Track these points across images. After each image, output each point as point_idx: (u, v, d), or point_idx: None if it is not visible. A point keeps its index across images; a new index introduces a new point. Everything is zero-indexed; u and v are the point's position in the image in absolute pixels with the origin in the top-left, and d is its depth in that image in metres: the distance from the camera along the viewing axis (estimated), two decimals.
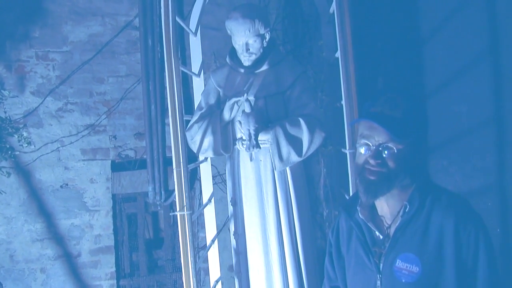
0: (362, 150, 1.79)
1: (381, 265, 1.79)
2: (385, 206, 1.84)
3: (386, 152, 1.75)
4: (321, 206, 4.60)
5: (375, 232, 1.85)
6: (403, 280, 1.73)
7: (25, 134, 3.87)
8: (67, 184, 4.37)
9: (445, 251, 1.69)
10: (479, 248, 1.69)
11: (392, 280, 1.76)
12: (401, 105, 1.77)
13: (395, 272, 1.75)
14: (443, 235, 1.70)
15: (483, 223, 1.74)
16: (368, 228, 1.86)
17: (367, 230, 1.87)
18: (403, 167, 1.75)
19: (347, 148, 3.22)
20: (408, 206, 1.77)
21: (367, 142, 1.78)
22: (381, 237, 1.84)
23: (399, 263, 1.75)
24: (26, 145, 3.86)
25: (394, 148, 1.74)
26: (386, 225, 1.84)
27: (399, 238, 1.77)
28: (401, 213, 1.79)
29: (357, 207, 1.89)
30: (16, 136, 3.80)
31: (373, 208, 1.89)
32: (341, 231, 2.02)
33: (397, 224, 1.78)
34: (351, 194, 3.19)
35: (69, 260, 4.39)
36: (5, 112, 4.01)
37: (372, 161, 1.76)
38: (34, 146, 4.23)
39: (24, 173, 4.29)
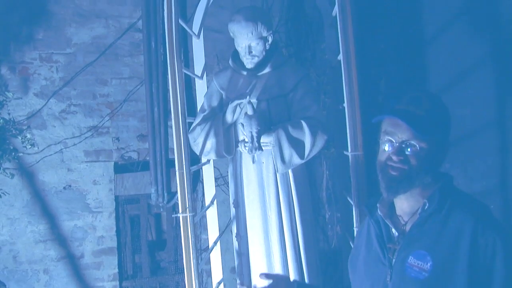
0: (386, 147, 1.83)
1: (394, 260, 1.81)
2: (404, 204, 1.86)
3: (409, 149, 1.78)
4: (324, 209, 4.60)
5: (391, 229, 1.88)
6: (413, 276, 1.74)
7: (28, 135, 3.87)
8: (70, 186, 4.38)
9: (459, 254, 1.68)
10: (495, 257, 1.66)
11: (402, 276, 1.77)
12: (426, 104, 1.80)
13: (406, 268, 1.76)
14: (460, 238, 1.69)
15: (505, 232, 1.72)
16: (386, 225, 1.89)
17: (384, 227, 1.90)
18: (424, 165, 1.78)
19: (349, 150, 3.22)
20: (427, 204, 1.78)
21: (391, 138, 1.81)
22: (396, 234, 1.86)
23: (411, 260, 1.76)
24: (30, 146, 3.87)
25: (417, 145, 1.77)
26: (403, 223, 1.86)
27: (414, 235, 1.79)
28: (419, 210, 1.80)
29: (377, 204, 1.91)
30: (20, 138, 3.81)
31: (391, 206, 1.92)
32: (365, 230, 2.05)
33: (414, 221, 1.81)
34: (353, 196, 3.20)
35: (72, 261, 4.40)
36: (9, 114, 4.02)
37: (394, 158, 1.79)
38: (38, 147, 4.25)
39: (28, 175, 4.31)
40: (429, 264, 1.72)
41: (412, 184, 1.79)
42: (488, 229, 1.68)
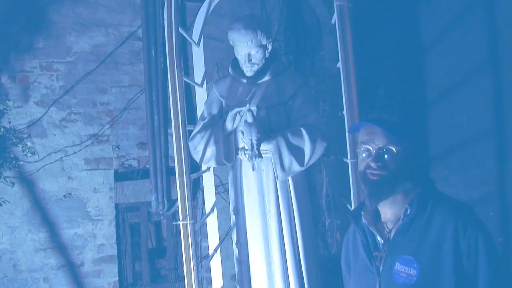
0: (364, 155, 1.85)
1: (381, 268, 1.82)
2: (388, 212, 1.88)
3: (386, 155, 1.80)
4: (323, 216, 4.61)
5: (376, 236, 1.89)
6: (401, 282, 1.75)
7: (29, 144, 3.89)
8: (70, 194, 4.38)
9: (444, 256, 1.70)
10: (478, 255, 1.69)
11: (390, 283, 1.79)
12: (397, 110, 1.84)
13: (394, 275, 1.78)
14: (443, 240, 1.72)
15: (485, 230, 1.74)
16: (371, 232, 1.90)
17: (370, 235, 1.91)
18: (403, 169, 1.80)
19: (349, 157, 3.23)
20: (409, 209, 1.80)
21: (368, 147, 1.84)
22: (382, 241, 1.87)
23: (398, 266, 1.78)
24: (30, 155, 3.88)
25: (394, 149, 1.79)
26: (388, 230, 1.88)
27: (399, 241, 1.80)
28: (402, 216, 1.82)
29: (361, 212, 1.93)
30: (20, 146, 3.83)
31: (376, 214, 1.93)
32: (351, 237, 2.06)
33: (397, 228, 1.82)
34: (352, 203, 3.21)
35: (72, 270, 4.39)
36: (10, 122, 4.03)
37: (373, 165, 1.81)
38: (38, 156, 4.25)
39: (28, 183, 4.31)
40: (415, 269, 1.74)
41: (393, 189, 1.81)
42: (469, 228, 1.70)
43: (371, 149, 1.82)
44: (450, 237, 1.70)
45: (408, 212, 1.80)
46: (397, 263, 1.78)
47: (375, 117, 1.84)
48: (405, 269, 1.76)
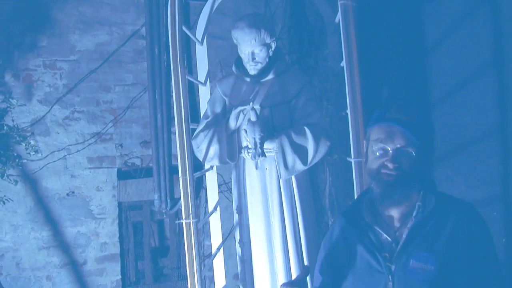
0: (378, 154, 1.84)
1: (393, 266, 1.81)
2: (393, 210, 1.87)
3: (403, 155, 1.80)
4: (326, 215, 4.60)
5: (382, 235, 1.87)
6: (419, 279, 1.76)
7: (32, 142, 3.89)
8: (73, 192, 4.38)
9: (459, 249, 1.75)
10: (487, 245, 1.79)
11: (406, 280, 1.78)
12: (413, 111, 1.84)
13: (409, 272, 1.77)
14: (457, 235, 1.76)
15: (487, 224, 1.83)
16: (374, 231, 1.88)
17: (373, 234, 1.89)
18: (416, 170, 1.81)
19: (352, 157, 3.23)
20: (422, 207, 1.82)
21: (385, 146, 1.82)
22: (389, 239, 1.86)
23: (413, 263, 1.77)
24: (33, 153, 3.88)
25: (412, 152, 1.79)
26: (395, 228, 1.87)
27: (412, 238, 1.80)
28: (414, 214, 1.83)
29: (363, 212, 1.92)
30: (24, 144, 3.82)
31: (376, 213, 1.92)
32: (340, 239, 2.02)
33: (409, 225, 1.82)
34: None
35: (75, 268, 4.39)
36: (13, 121, 4.04)
37: (390, 165, 1.81)
38: (41, 154, 4.25)
39: (31, 181, 4.31)
40: (432, 264, 1.75)
41: (406, 190, 1.82)
42: (479, 224, 1.80)
43: (388, 148, 1.81)
44: (465, 233, 1.76)
45: (421, 210, 1.82)
46: (412, 260, 1.78)
47: (394, 117, 1.83)
48: (421, 266, 1.76)
